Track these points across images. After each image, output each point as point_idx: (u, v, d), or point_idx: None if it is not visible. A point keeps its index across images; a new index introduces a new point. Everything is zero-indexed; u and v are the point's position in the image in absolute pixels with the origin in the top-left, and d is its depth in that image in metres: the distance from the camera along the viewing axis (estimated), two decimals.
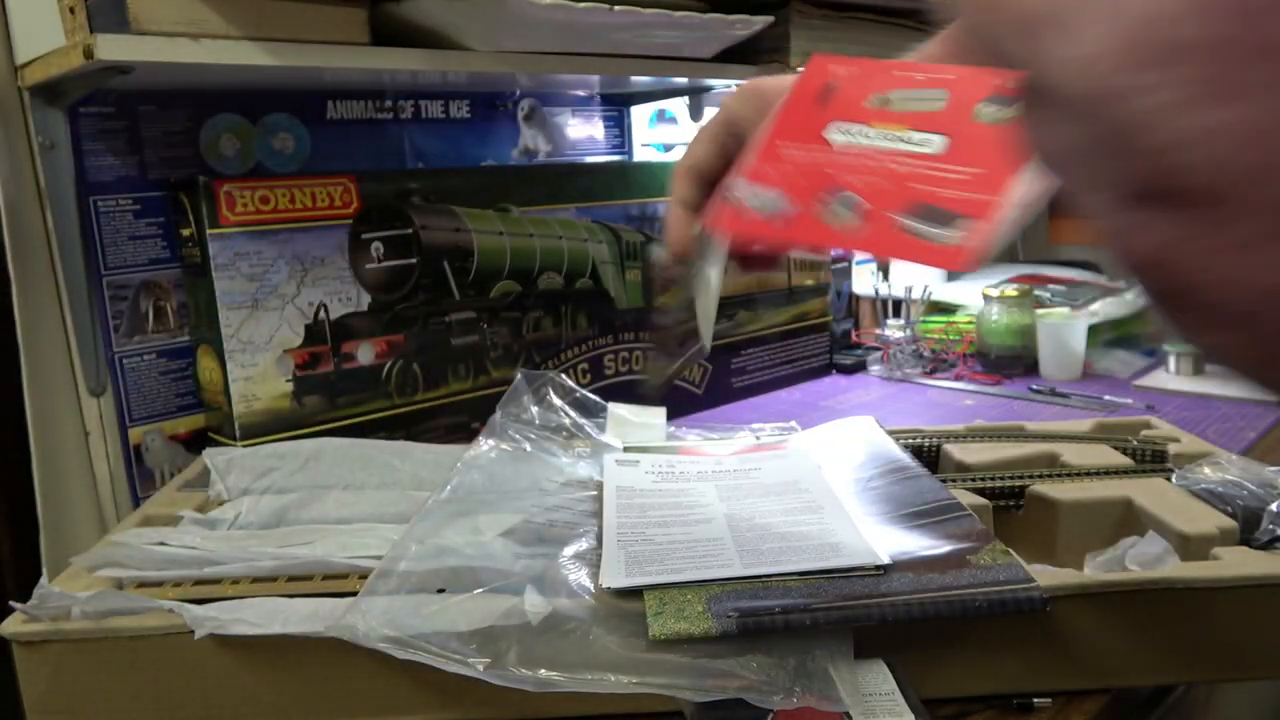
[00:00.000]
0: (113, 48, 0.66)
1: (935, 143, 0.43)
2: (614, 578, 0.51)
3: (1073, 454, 0.72)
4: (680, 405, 1.17)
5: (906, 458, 0.69)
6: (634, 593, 0.50)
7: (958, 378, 1.29)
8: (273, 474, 0.70)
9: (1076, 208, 0.22)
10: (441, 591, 0.52)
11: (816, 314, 1.34)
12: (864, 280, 1.46)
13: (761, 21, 0.94)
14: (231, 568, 0.55)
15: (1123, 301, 1.35)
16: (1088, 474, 0.68)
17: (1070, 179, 0.22)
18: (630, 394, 0.91)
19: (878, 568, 0.51)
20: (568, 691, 0.46)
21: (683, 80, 1.13)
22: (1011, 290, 1.30)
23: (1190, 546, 0.56)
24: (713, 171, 0.55)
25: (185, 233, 0.86)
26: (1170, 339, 1.29)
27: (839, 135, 0.45)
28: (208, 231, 0.83)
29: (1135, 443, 0.74)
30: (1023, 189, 0.41)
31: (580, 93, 1.19)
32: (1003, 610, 0.48)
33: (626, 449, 0.75)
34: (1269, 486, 0.61)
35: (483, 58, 0.85)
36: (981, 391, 1.23)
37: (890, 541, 0.55)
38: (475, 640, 0.48)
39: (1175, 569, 0.53)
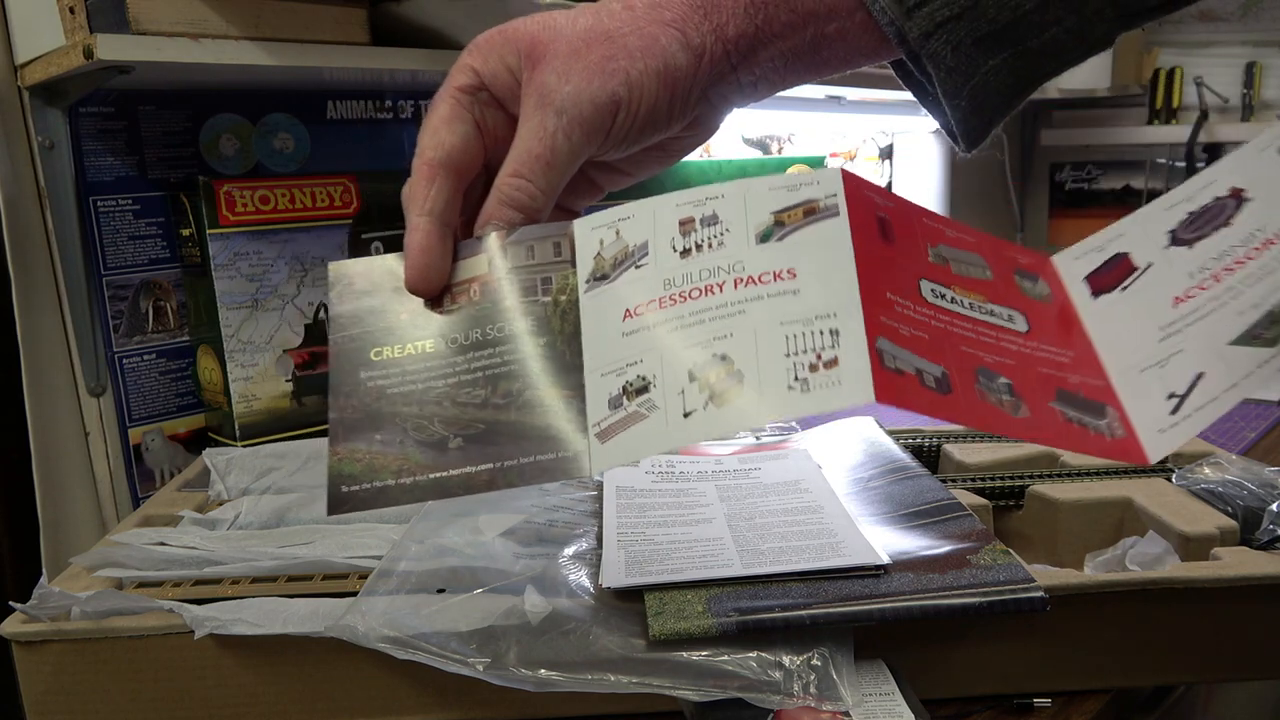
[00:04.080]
0: (113, 48, 0.66)
1: (1019, 321, 0.39)
2: (614, 578, 0.51)
3: (1073, 454, 0.72)
4: None
5: (906, 458, 0.69)
6: (634, 593, 0.50)
7: None
8: (273, 474, 0.70)
9: None
10: (441, 591, 0.52)
11: None
12: None
13: None
14: (231, 568, 0.55)
15: None
16: (1088, 474, 0.68)
17: None
18: None
19: (878, 568, 0.51)
20: (568, 691, 0.46)
21: None
22: None
23: (1190, 546, 0.56)
24: (471, 164, 0.41)
25: (185, 233, 0.86)
26: None
27: (934, 298, 0.37)
28: (208, 231, 0.83)
29: None
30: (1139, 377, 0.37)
31: None
32: (1003, 610, 0.48)
33: None
34: (1269, 486, 0.61)
35: None
36: None
37: (890, 541, 0.55)
38: (475, 640, 0.48)
39: (1175, 569, 0.53)
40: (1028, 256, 0.42)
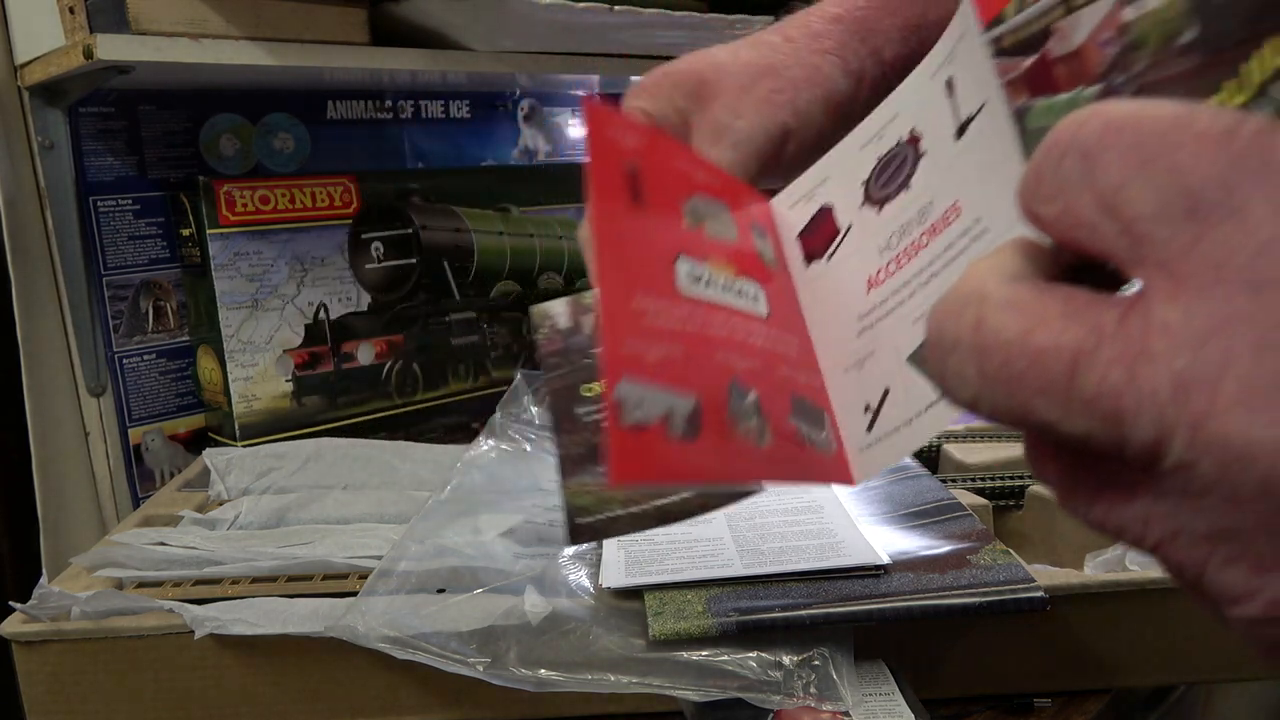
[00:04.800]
0: (113, 48, 0.66)
1: (760, 300, 0.30)
2: (614, 578, 0.51)
3: None
4: None
5: (906, 458, 0.69)
6: (634, 593, 0.50)
7: None
8: (273, 474, 0.70)
9: (1209, 582, 0.17)
10: (441, 591, 0.52)
11: None
12: None
13: (761, 21, 0.94)
14: (231, 568, 0.55)
15: None
16: None
17: (1217, 556, 0.17)
18: None
19: (878, 568, 0.51)
20: (568, 691, 0.46)
21: None
22: None
23: None
24: None
25: (185, 233, 0.86)
26: None
27: (691, 284, 0.27)
28: (208, 231, 0.83)
29: None
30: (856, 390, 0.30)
31: (580, 93, 1.19)
32: (1003, 610, 0.48)
33: None
34: None
35: (483, 58, 0.85)
36: None
37: (890, 541, 0.55)
38: (475, 640, 0.48)
39: None
40: (757, 202, 0.35)
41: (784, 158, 0.41)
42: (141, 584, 0.55)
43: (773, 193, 0.40)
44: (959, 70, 0.29)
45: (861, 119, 0.42)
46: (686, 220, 0.29)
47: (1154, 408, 0.16)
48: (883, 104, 0.33)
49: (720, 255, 0.30)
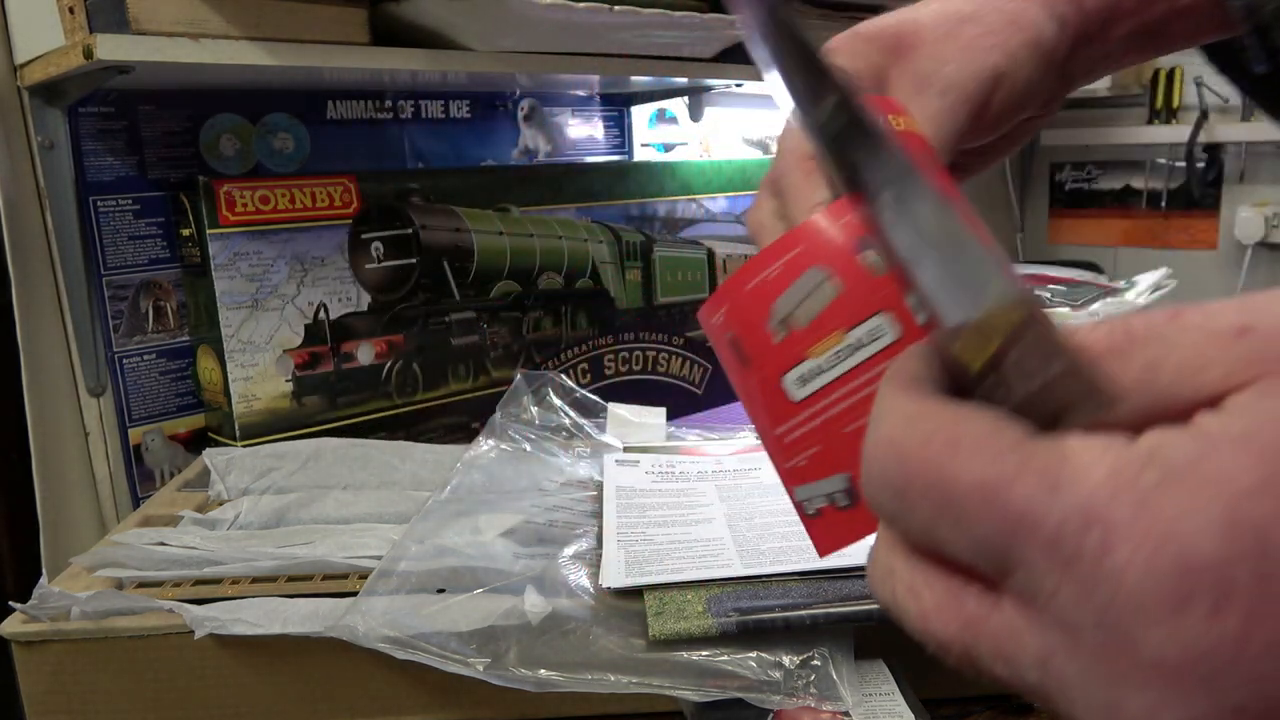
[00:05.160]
0: (112, 48, 0.66)
1: (885, 328, 0.32)
2: (614, 578, 0.51)
3: None
4: (680, 405, 1.17)
5: None
6: (634, 593, 0.50)
7: None
8: (272, 474, 0.70)
9: None
10: (441, 591, 0.52)
11: None
12: None
13: None
14: (231, 568, 0.55)
15: (1122, 301, 1.35)
16: None
17: None
18: (629, 394, 0.91)
19: None
20: (568, 691, 0.46)
21: (683, 80, 1.13)
22: None
23: None
24: None
25: (185, 233, 0.86)
26: None
27: (801, 389, 0.33)
28: (208, 231, 0.83)
29: None
30: None
31: (580, 93, 1.19)
32: None
33: (626, 449, 0.75)
34: None
35: (483, 58, 0.85)
36: None
37: None
38: (475, 640, 0.48)
39: None
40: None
41: (993, 106, 0.39)
42: (141, 584, 0.55)
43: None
44: None
45: (1067, 68, 0.41)
46: (775, 335, 0.33)
47: (1036, 697, 0.18)
48: None
49: (820, 332, 0.33)
